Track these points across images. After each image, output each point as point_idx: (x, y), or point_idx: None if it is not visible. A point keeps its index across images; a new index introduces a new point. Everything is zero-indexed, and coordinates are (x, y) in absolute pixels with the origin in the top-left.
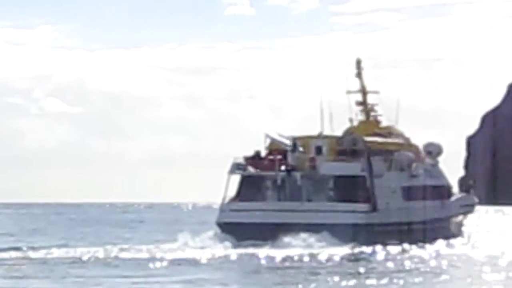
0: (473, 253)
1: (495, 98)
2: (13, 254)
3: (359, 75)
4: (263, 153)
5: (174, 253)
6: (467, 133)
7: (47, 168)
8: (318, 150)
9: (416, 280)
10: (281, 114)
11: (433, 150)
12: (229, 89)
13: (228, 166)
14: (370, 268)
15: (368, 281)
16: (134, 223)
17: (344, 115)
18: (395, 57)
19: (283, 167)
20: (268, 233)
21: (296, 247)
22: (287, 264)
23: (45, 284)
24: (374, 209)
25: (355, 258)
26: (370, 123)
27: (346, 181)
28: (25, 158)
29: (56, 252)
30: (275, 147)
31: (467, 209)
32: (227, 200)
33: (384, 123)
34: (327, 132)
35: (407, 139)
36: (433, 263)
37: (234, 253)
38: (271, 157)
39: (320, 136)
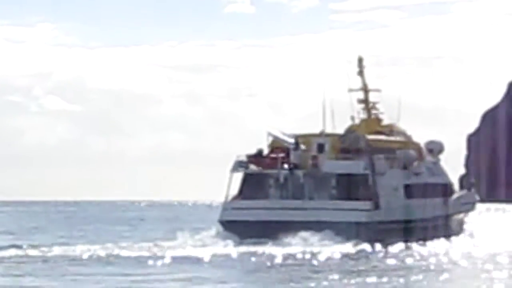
0: (474, 250)
1: (495, 96)
2: (13, 252)
3: (361, 73)
4: (266, 151)
5: (175, 251)
6: (468, 131)
7: (47, 166)
8: (320, 148)
9: (418, 277)
10: (281, 112)
11: (435, 148)
12: (229, 87)
13: (229, 164)
14: (372, 266)
15: (369, 279)
16: (134, 221)
17: (345, 113)
18: (395, 55)
19: (285, 165)
20: (271, 231)
21: (298, 245)
22: (288, 262)
23: (45, 282)
24: (376, 207)
25: (357, 256)
26: (372, 121)
27: (349, 179)
28: (25, 156)
29: (56, 250)
30: (277, 145)
31: (468, 206)
32: (229, 198)
33: (386, 121)
34: (328, 130)
35: (408, 137)
36: (434, 260)
37: (236, 251)
38: (273, 155)
39: (322, 134)
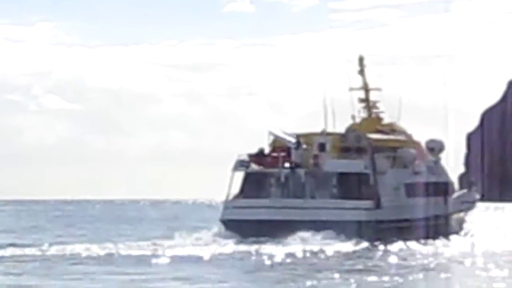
0: (475, 249)
1: (495, 95)
2: (12, 251)
3: (361, 72)
4: (267, 150)
5: (176, 250)
6: (467, 130)
7: (46, 165)
8: (322, 147)
9: (418, 276)
10: (280, 111)
11: (435, 147)
12: (229, 86)
13: (229, 163)
14: (372, 265)
15: (370, 278)
16: (134, 220)
17: (346, 112)
18: (395, 54)
19: (286, 164)
20: (272, 230)
21: (299, 244)
22: (289, 261)
23: (44, 281)
24: (377, 206)
25: (358, 255)
26: (373, 120)
27: (350, 178)
28: (24, 155)
29: (55, 249)
30: (278, 144)
31: (469, 205)
32: (230, 197)
33: (386, 120)
34: (329, 129)
35: (409, 136)
36: (435, 259)
37: (236, 250)
38: (274, 154)
39: (323, 133)
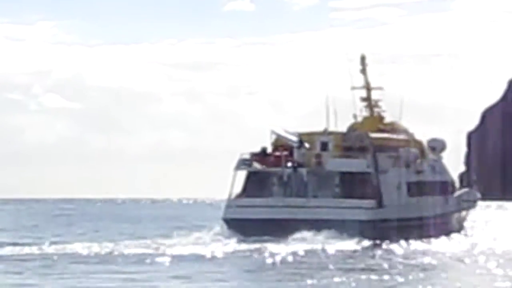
0: (476, 248)
1: (495, 94)
2: (12, 250)
3: (363, 71)
4: (269, 149)
5: (177, 248)
6: (468, 129)
7: (46, 164)
8: (324, 146)
9: (420, 275)
10: (281, 109)
11: (437, 146)
12: (229, 85)
13: (229, 162)
14: (374, 263)
15: (372, 277)
16: (134, 219)
17: (347, 111)
18: (395, 53)
19: (289, 163)
20: (274, 229)
21: (301, 243)
22: (291, 260)
23: (44, 280)
24: (380, 205)
25: (360, 254)
26: (374, 119)
27: (352, 177)
28: (24, 154)
29: (56, 248)
30: (280, 143)
31: (470, 204)
32: (233, 196)
33: (388, 119)
34: (331, 128)
35: (411, 135)
36: (436, 258)
37: (238, 249)
38: (277, 153)
39: (325, 132)
